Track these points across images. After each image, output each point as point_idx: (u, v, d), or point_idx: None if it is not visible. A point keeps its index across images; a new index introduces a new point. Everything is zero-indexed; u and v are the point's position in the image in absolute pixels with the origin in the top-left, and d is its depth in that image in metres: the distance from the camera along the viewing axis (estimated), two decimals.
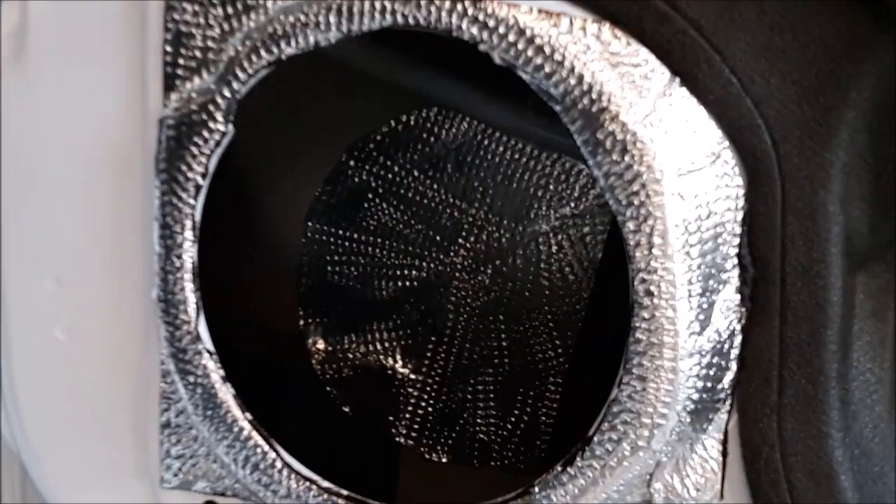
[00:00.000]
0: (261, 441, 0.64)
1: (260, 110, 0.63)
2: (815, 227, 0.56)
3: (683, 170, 0.55)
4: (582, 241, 0.82)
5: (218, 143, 0.61)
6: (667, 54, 0.55)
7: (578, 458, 0.60)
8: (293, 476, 0.64)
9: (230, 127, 0.60)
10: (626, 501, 0.61)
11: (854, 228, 0.56)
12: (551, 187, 0.82)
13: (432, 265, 0.84)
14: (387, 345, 0.85)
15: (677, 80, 0.55)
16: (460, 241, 0.84)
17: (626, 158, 0.54)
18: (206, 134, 0.61)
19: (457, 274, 0.84)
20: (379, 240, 0.84)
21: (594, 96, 0.54)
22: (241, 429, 0.64)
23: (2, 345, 0.69)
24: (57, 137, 0.65)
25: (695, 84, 0.55)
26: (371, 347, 0.86)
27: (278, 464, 0.64)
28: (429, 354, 0.85)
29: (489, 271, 0.84)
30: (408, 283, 0.85)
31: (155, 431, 0.68)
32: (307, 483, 0.64)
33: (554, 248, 0.82)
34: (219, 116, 0.60)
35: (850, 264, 0.57)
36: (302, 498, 0.64)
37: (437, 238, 0.84)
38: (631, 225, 0.55)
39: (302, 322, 0.85)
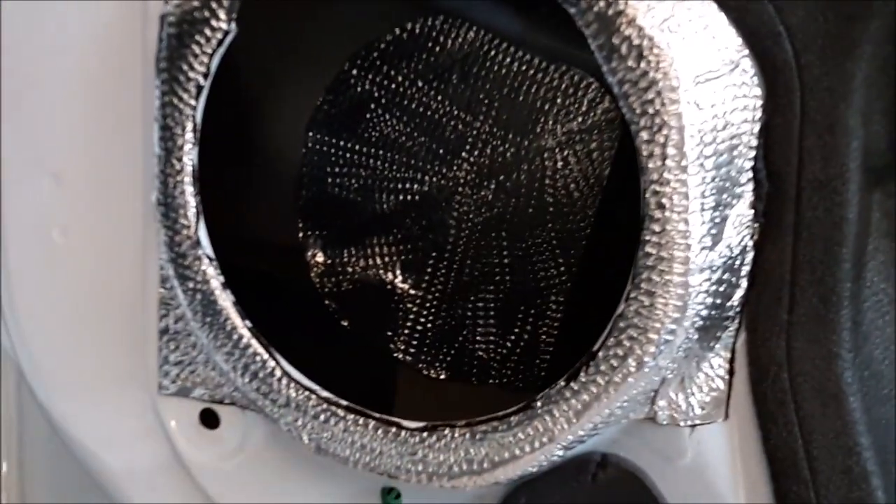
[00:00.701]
0: (260, 349, 0.64)
1: (264, 11, 0.61)
2: (833, 141, 0.54)
3: (701, 78, 0.54)
4: (588, 156, 0.80)
5: (220, 43, 0.59)
6: None
7: (583, 374, 0.59)
8: (293, 385, 0.64)
9: (233, 25, 0.59)
10: (629, 418, 0.60)
11: (873, 144, 0.55)
12: (558, 101, 0.80)
13: (435, 179, 0.83)
14: (387, 259, 0.84)
15: None
16: (464, 154, 0.82)
17: (642, 65, 0.53)
18: (208, 32, 0.59)
19: (459, 188, 0.82)
20: (381, 152, 0.83)
21: None
22: (241, 336, 0.64)
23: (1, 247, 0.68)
24: (56, 34, 0.64)
25: None
26: (371, 261, 0.84)
27: (277, 372, 0.64)
28: (429, 270, 0.84)
29: (493, 186, 0.82)
30: (409, 197, 0.83)
31: (153, 337, 0.67)
32: (307, 392, 0.64)
33: (560, 164, 0.81)
34: (221, 14, 0.58)
35: (867, 181, 0.55)
36: (301, 407, 0.64)
37: (440, 151, 0.82)
38: (645, 135, 0.54)
39: (301, 234, 0.84)
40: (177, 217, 0.62)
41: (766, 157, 0.56)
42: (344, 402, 0.63)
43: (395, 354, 0.83)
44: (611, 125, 0.79)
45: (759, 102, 0.55)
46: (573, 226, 0.81)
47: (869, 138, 0.55)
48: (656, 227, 0.55)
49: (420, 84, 0.81)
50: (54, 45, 0.64)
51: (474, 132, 0.81)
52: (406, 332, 0.84)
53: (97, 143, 0.65)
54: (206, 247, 0.63)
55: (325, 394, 0.64)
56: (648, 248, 0.55)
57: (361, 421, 0.63)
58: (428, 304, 0.84)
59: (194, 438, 0.70)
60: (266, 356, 0.64)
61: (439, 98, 0.81)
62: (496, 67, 0.80)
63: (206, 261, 0.62)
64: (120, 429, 0.71)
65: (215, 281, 0.63)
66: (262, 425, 0.68)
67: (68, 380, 0.70)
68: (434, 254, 0.84)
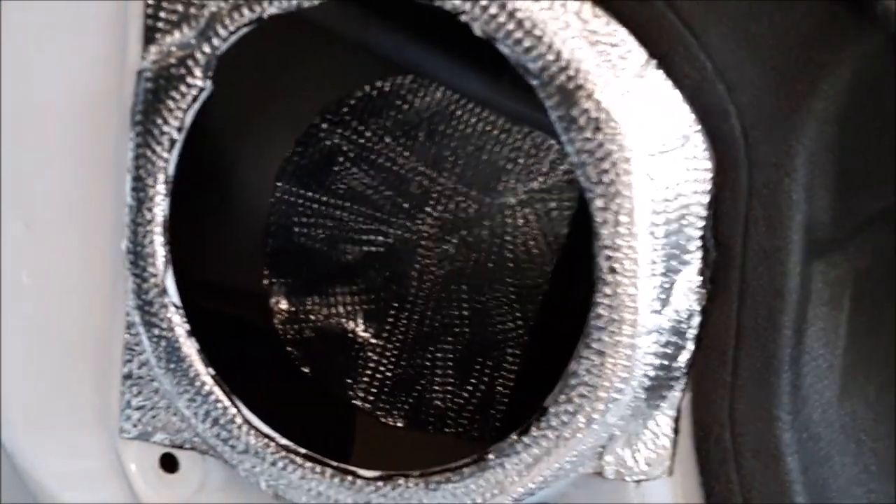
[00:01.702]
0: (222, 396, 0.65)
1: (238, 68, 0.63)
2: (778, 213, 0.57)
3: (654, 151, 0.56)
4: (548, 215, 0.83)
5: (195, 99, 0.61)
6: (644, 35, 0.55)
7: (534, 428, 0.61)
8: (252, 432, 0.65)
9: (208, 83, 0.61)
10: (578, 472, 0.62)
11: (816, 217, 0.58)
12: (521, 161, 0.83)
13: (399, 232, 0.85)
14: (349, 308, 0.86)
15: (653, 61, 0.56)
16: (428, 209, 0.84)
17: (599, 136, 0.55)
18: (183, 88, 0.61)
19: (422, 242, 0.85)
20: (347, 203, 0.85)
21: (571, 73, 0.55)
22: (203, 383, 0.65)
23: None
24: (34, 83, 0.65)
25: (670, 66, 0.56)
26: (334, 310, 0.86)
27: (238, 419, 0.65)
28: (390, 320, 0.86)
29: (455, 241, 0.84)
30: (373, 249, 0.85)
31: (117, 382, 0.68)
32: (266, 439, 0.65)
33: (520, 222, 0.83)
34: (197, 72, 0.60)
35: (809, 252, 0.58)
36: (260, 454, 0.65)
37: (405, 205, 0.84)
38: (599, 202, 0.56)
39: (266, 281, 0.85)
40: (145, 265, 0.63)
41: (715, 227, 0.58)
42: (302, 450, 0.65)
43: (355, 402, 0.85)
44: (570, 186, 0.82)
45: (709, 175, 0.58)
46: (531, 281, 0.83)
47: (812, 212, 0.57)
48: (608, 290, 0.57)
49: (388, 140, 0.84)
50: (31, 93, 0.65)
51: (439, 188, 0.84)
52: (366, 380, 0.86)
53: (69, 191, 0.66)
54: (173, 295, 0.64)
55: (283, 441, 0.65)
56: (600, 310, 0.58)
57: (318, 469, 0.64)
58: (388, 354, 0.86)
59: (153, 482, 0.70)
60: (227, 403, 0.65)
61: (406, 154, 0.84)
62: (462, 126, 0.83)
63: (172, 309, 0.64)
64: (81, 470, 0.72)
65: (180, 328, 0.64)
66: (221, 470, 0.69)
67: (31, 420, 0.71)
68: (396, 304, 0.86)
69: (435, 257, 0.85)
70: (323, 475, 0.64)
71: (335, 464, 0.64)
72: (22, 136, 0.66)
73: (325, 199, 0.85)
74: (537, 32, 0.55)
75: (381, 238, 0.85)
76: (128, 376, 0.67)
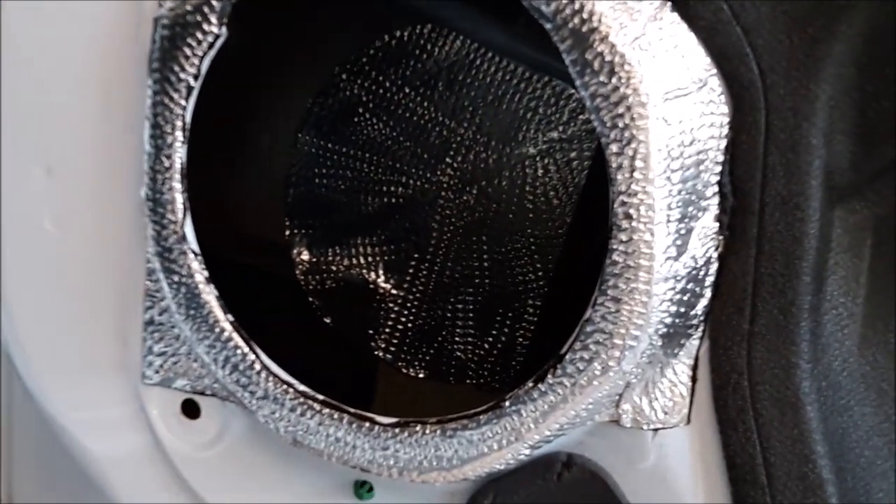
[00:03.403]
0: (241, 342, 0.66)
1: (255, 16, 0.63)
2: (796, 158, 0.56)
3: (670, 95, 0.56)
4: (568, 165, 0.82)
5: (211, 45, 0.61)
6: None
7: (550, 375, 0.61)
8: (271, 378, 0.66)
9: (224, 29, 0.61)
10: (595, 420, 0.62)
11: (835, 163, 0.57)
12: (540, 110, 0.82)
13: (419, 182, 0.85)
14: (370, 259, 0.86)
15: (668, 4, 0.55)
16: (447, 159, 0.84)
17: (613, 80, 0.55)
18: (199, 35, 0.61)
19: (442, 192, 0.85)
20: (367, 155, 0.85)
21: (585, 16, 0.54)
22: (222, 329, 0.66)
23: None
24: (54, 31, 0.65)
25: (686, 9, 0.55)
26: (355, 261, 0.86)
27: (257, 366, 0.66)
28: (411, 271, 0.86)
29: (475, 191, 0.84)
30: (394, 200, 0.85)
31: (138, 328, 0.69)
32: (284, 386, 0.65)
33: (540, 172, 0.83)
34: (213, 18, 0.60)
35: (828, 198, 0.57)
36: (279, 400, 0.66)
37: (425, 156, 0.84)
38: (614, 147, 0.56)
39: (288, 232, 0.86)
40: (164, 212, 0.64)
41: (732, 173, 0.58)
42: (320, 397, 0.65)
43: (376, 352, 0.86)
44: (590, 136, 0.81)
45: (726, 120, 0.57)
46: (551, 232, 0.83)
47: (831, 157, 0.57)
48: (623, 237, 0.57)
49: (407, 90, 0.83)
50: (51, 42, 0.66)
51: (458, 138, 0.84)
52: (387, 331, 0.86)
53: (90, 138, 0.67)
54: (192, 242, 0.64)
55: (301, 388, 0.66)
56: (615, 257, 0.57)
57: (336, 415, 0.65)
58: (409, 305, 0.86)
59: (175, 428, 0.71)
60: (246, 349, 0.65)
61: (425, 104, 0.83)
62: (481, 76, 0.82)
63: (191, 255, 0.64)
64: (104, 416, 0.73)
65: (200, 275, 0.65)
66: (241, 417, 0.70)
67: (55, 367, 0.72)
68: (416, 255, 0.86)
69: (455, 208, 0.85)
70: (341, 421, 0.65)
71: (352, 410, 0.65)
72: (42, 84, 0.66)
73: (345, 149, 0.85)
74: None
75: (401, 189, 0.85)
76: (149, 323, 0.68)
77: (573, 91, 0.81)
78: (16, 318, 0.71)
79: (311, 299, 0.86)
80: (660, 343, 0.60)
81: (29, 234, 0.69)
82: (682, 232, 0.58)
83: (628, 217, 0.56)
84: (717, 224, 0.59)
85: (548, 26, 0.55)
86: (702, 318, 0.60)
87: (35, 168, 0.68)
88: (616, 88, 0.55)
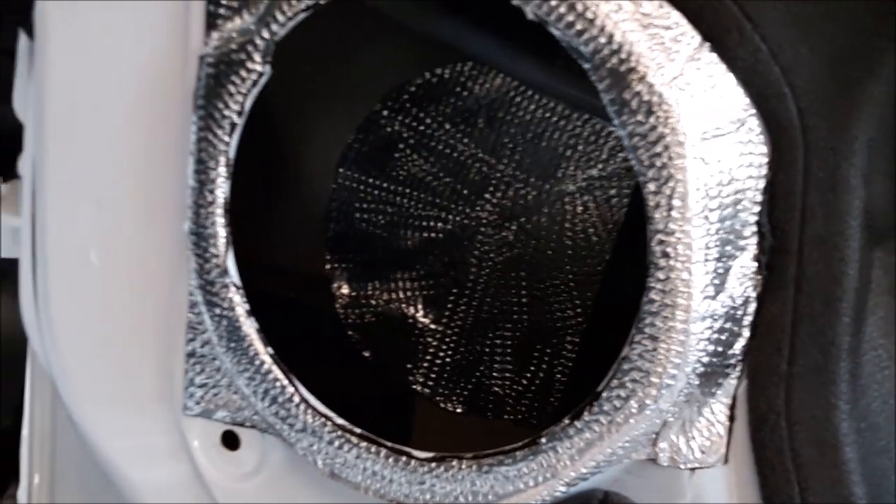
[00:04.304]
0: (280, 375, 0.66)
1: (298, 54, 0.64)
2: (835, 199, 0.56)
3: (708, 134, 0.56)
4: (607, 202, 0.83)
5: (255, 83, 0.62)
6: (698, 18, 0.55)
7: (586, 413, 0.61)
8: (310, 411, 0.66)
9: (267, 68, 0.62)
10: (631, 458, 0.62)
11: (874, 204, 0.57)
12: (580, 148, 0.83)
13: (458, 218, 0.85)
14: (409, 294, 0.87)
15: (707, 44, 0.56)
16: (487, 195, 0.85)
17: (651, 119, 0.55)
18: (243, 73, 0.62)
19: (482, 228, 0.85)
20: (407, 190, 0.86)
21: (623, 56, 0.55)
22: (262, 362, 0.66)
23: (39, 265, 0.71)
24: (102, 69, 0.67)
25: (724, 50, 0.55)
26: (394, 295, 0.87)
27: (296, 398, 0.66)
28: (450, 306, 0.86)
29: (514, 227, 0.85)
30: (433, 235, 0.86)
31: (180, 360, 0.70)
32: (322, 419, 0.66)
33: (579, 209, 0.83)
34: (257, 57, 0.62)
35: (868, 239, 0.57)
36: (317, 433, 0.66)
37: (465, 192, 0.85)
38: (652, 186, 0.56)
39: (328, 266, 0.87)
40: (207, 246, 0.65)
41: (770, 213, 0.58)
42: (358, 430, 0.66)
43: (414, 387, 0.86)
44: (629, 173, 0.82)
45: (765, 160, 0.57)
46: (590, 268, 0.83)
47: (870, 197, 0.56)
48: (661, 275, 0.57)
49: (447, 126, 0.84)
50: (100, 78, 0.67)
51: (498, 174, 0.84)
52: (425, 365, 0.86)
53: (136, 173, 0.68)
54: (234, 275, 0.65)
55: (340, 421, 0.66)
56: (653, 295, 0.58)
57: (374, 449, 0.65)
58: (447, 339, 0.87)
59: (215, 458, 0.72)
60: (286, 382, 0.66)
61: (465, 140, 0.84)
62: (521, 113, 0.83)
63: (233, 289, 0.65)
64: (145, 445, 0.74)
65: (241, 308, 0.66)
66: (279, 449, 0.71)
67: (99, 396, 0.73)
68: (455, 290, 0.86)
69: (494, 244, 0.85)
70: (378, 455, 0.65)
71: (389, 444, 0.65)
72: (90, 119, 0.68)
73: (385, 185, 0.86)
74: (589, 15, 0.55)
75: (440, 224, 0.86)
76: (191, 354, 0.69)
77: (612, 129, 0.81)
78: (61, 348, 0.72)
79: (350, 333, 0.86)
80: (697, 382, 0.60)
81: (76, 265, 0.70)
82: (720, 271, 0.58)
83: (666, 256, 0.57)
84: (756, 263, 0.59)
85: (586, 66, 0.56)
86: (740, 357, 0.60)
87: (83, 201, 0.69)
88: (654, 128, 0.55)
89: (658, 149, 0.55)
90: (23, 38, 0.77)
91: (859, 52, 0.54)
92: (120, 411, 0.73)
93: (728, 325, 0.59)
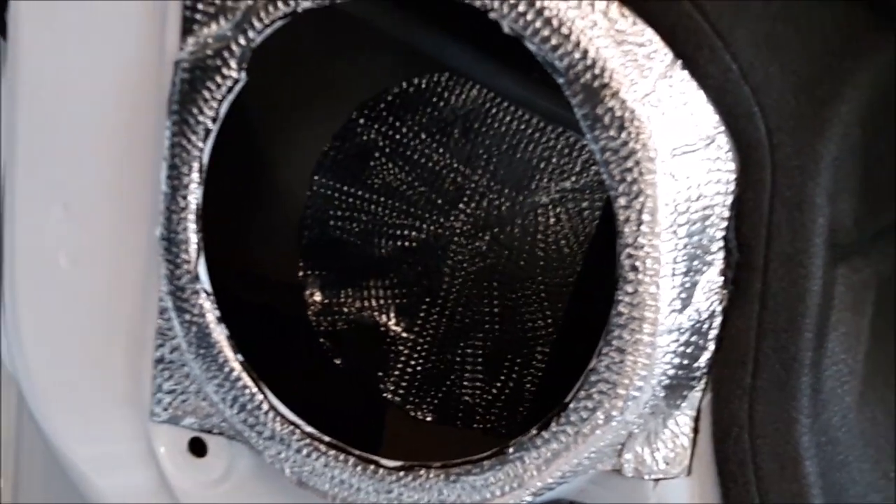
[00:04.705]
0: (249, 382, 0.66)
1: (274, 61, 0.65)
2: (801, 216, 0.57)
3: (678, 151, 0.57)
4: (580, 215, 0.83)
5: (230, 90, 0.62)
6: (671, 36, 0.56)
7: (553, 423, 0.61)
8: (278, 419, 0.66)
9: (243, 74, 0.62)
10: (597, 468, 0.63)
11: (839, 221, 0.58)
12: (554, 160, 0.83)
13: (432, 227, 0.86)
14: (382, 302, 0.87)
15: (679, 62, 0.56)
16: (461, 206, 0.85)
17: (623, 135, 0.56)
18: (218, 79, 0.62)
19: (455, 238, 0.86)
20: (382, 198, 0.86)
21: (597, 71, 0.55)
22: (232, 369, 0.66)
23: (6, 268, 0.71)
24: (75, 71, 0.67)
25: (696, 68, 0.56)
26: (366, 303, 0.87)
27: (265, 406, 0.66)
28: (422, 315, 0.87)
29: (487, 238, 0.85)
30: (407, 244, 0.86)
31: (149, 366, 0.70)
32: (291, 427, 0.66)
33: (552, 220, 0.84)
34: (233, 63, 0.62)
35: (832, 256, 0.58)
36: (285, 441, 0.66)
37: (439, 201, 0.85)
38: (622, 200, 0.56)
39: (301, 273, 0.87)
40: (178, 252, 0.65)
41: (737, 229, 0.59)
42: (326, 438, 0.66)
43: (385, 395, 0.86)
44: (602, 187, 0.82)
45: (733, 177, 0.58)
46: (560, 280, 0.84)
47: (835, 216, 0.57)
48: (629, 289, 0.58)
49: (423, 136, 0.85)
50: (72, 80, 0.67)
51: (472, 185, 0.85)
52: (396, 373, 0.87)
53: (107, 177, 0.68)
54: (205, 282, 0.65)
55: (308, 429, 0.66)
56: (621, 308, 0.58)
57: (342, 457, 0.65)
58: (419, 348, 0.87)
59: (182, 465, 0.72)
60: (255, 389, 0.66)
61: (440, 151, 0.85)
62: (496, 125, 0.84)
63: (203, 295, 0.65)
64: (111, 451, 0.73)
65: (211, 315, 0.66)
66: (247, 456, 0.71)
67: (65, 401, 0.73)
68: (427, 299, 0.87)
69: (467, 254, 0.86)
70: (346, 463, 0.65)
71: (358, 452, 0.65)
72: (62, 122, 0.68)
73: (360, 193, 0.86)
74: (564, 31, 0.55)
75: (414, 233, 0.86)
76: (160, 360, 0.69)
77: (586, 142, 0.82)
78: (27, 351, 0.72)
79: (322, 340, 0.86)
80: (662, 394, 0.60)
81: (44, 269, 0.70)
82: (687, 285, 0.58)
83: (634, 269, 0.57)
84: (722, 278, 0.60)
85: (560, 81, 0.56)
86: (705, 370, 0.61)
87: (52, 205, 0.69)
88: (625, 143, 0.56)
89: (629, 164, 0.56)
90: None
91: (828, 73, 0.55)
92: (86, 416, 0.73)
93: (694, 339, 0.60)
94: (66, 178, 0.68)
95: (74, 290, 0.70)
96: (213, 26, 0.62)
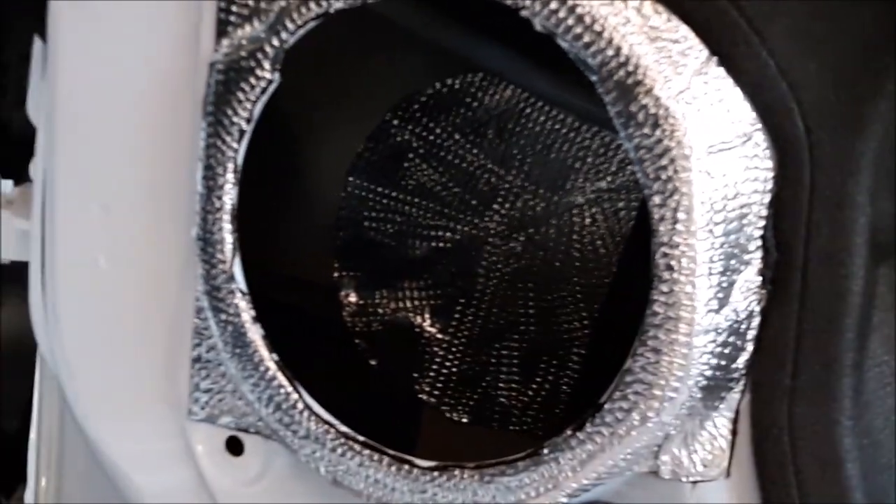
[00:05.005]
0: (285, 382, 0.66)
1: (308, 62, 0.65)
2: (841, 215, 0.56)
3: (714, 148, 0.56)
4: (616, 215, 0.83)
5: (264, 91, 0.63)
6: (706, 32, 0.55)
7: (589, 424, 0.61)
8: (313, 418, 0.66)
9: (277, 75, 0.62)
10: (633, 470, 0.62)
11: (880, 220, 0.57)
12: (589, 160, 0.83)
13: (466, 228, 0.86)
14: (417, 303, 0.87)
15: (714, 58, 0.56)
16: (495, 206, 0.85)
17: (657, 132, 0.55)
18: (252, 80, 0.62)
19: (490, 239, 0.85)
20: (416, 199, 0.86)
21: (630, 69, 0.55)
22: (267, 369, 0.67)
23: (47, 268, 0.72)
24: (113, 73, 0.68)
25: (732, 64, 0.55)
26: (401, 304, 0.87)
27: (300, 405, 0.66)
28: (457, 316, 0.87)
29: (522, 238, 0.85)
30: (441, 245, 0.86)
31: (186, 365, 0.70)
32: (326, 426, 0.66)
33: (587, 221, 0.83)
34: (266, 64, 0.62)
35: (873, 256, 0.57)
36: (320, 440, 0.66)
37: (473, 202, 0.85)
38: (657, 199, 0.56)
39: (336, 274, 0.87)
40: (214, 252, 0.65)
41: (776, 228, 0.58)
42: (361, 438, 0.66)
43: (420, 396, 0.86)
44: (638, 186, 0.81)
45: (770, 175, 0.57)
46: (597, 280, 0.83)
47: (876, 215, 0.56)
48: (664, 288, 0.57)
49: (457, 137, 0.85)
50: (112, 83, 0.68)
51: (507, 185, 0.85)
52: (431, 374, 0.87)
53: (145, 178, 0.69)
54: (240, 282, 0.66)
55: (343, 428, 0.66)
56: (656, 308, 0.58)
57: (376, 457, 0.65)
58: (454, 349, 0.87)
59: (219, 464, 0.72)
60: (290, 389, 0.66)
61: (475, 151, 0.85)
62: (531, 125, 0.83)
63: (239, 295, 0.66)
64: (150, 450, 0.74)
65: (246, 314, 0.66)
66: (283, 455, 0.71)
67: (105, 400, 0.74)
68: (462, 300, 0.87)
69: (502, 255, 0.85)
70: (380, 463, 0.65)
71: (392, 452, 0.65)
72: (101, 123, 0.68)
73: (394, 194, 0.86)
74: (597, 28, 0.55)
75: (448, 234, 0.86)
76: (197, 360, 0.69)
77: (621, 142, 0.81)
78: (69, 351, 0.73)
79: (357, 341, 0.87)
80: (700, 395, 0.60)
81: (83, 269, 0.71)
82: (724, 285, 0.58)
83: (670, 269, 0.57)
84: (760, 278, 0.59)
85: (593, 78, 0.56)
86: (743, 371, 0.60)
87: (92, 205, 0.70)
88: (660, 141, 0.55)
89: (664, 162, 0.55)
90: (37, 42, 0.78)
91: (866, 69, 0.54)
92: (125, 415, 0.74)
93: (731, 339, 0.59)
94: (105, 179, 0.69)
95: (113, 289, 0.71)
96: (247, 28, 0.62)
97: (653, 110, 0.55)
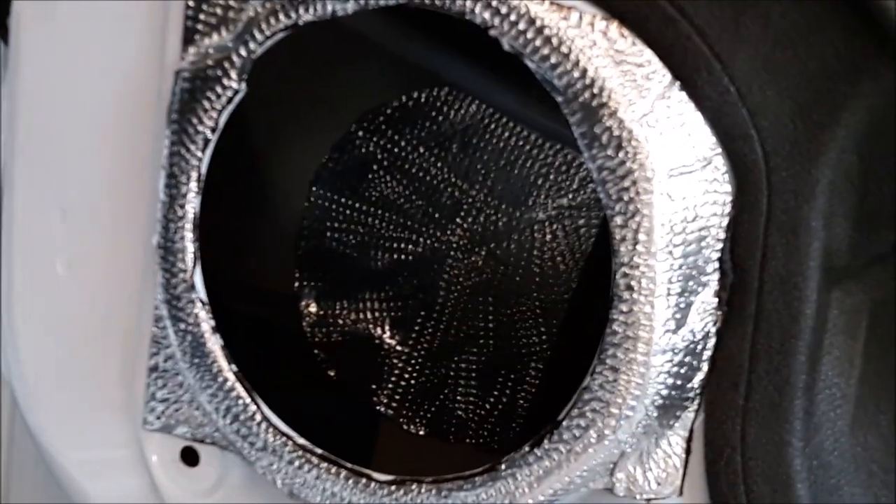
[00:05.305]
0: (243, 393, 0.66)
1: (275, 73, 0.65)
2: (795, 240, 0.57)
3: (675, 171, 0.57)
4: (576, 232, 0.83)
5: (230, 100, 0.63)
6: (669, 57, 0.56)
7: (546, 441, 0.61)
8: (271, 430, 0.66)
9: (243, 85, 0.62)
10: (589, 487, 0.63)
11: (834, 245, 0.58)
12: (551, 177, 0.84)
13: (429, 241, 0.86)
14: (377, 314, 0.87)
15: (677, 83, 0.57)
16: (458, 220, 0.85)
17: (620, 154, 0.56)
18: (219, 90, 0.62)
19: (451, 252, 0.86)
20: (379, 211, 0.86)
21: (595, 91, 0.55)
22: (226, 379, 0.66)
23: (4, 271, 0.71)
24: (76, 77, 0.67)
25: (694, 89, 0.56)
26: (362, 315, 0.87)
27: (258, 417, 0.66)
28: (417, 328, 0.87)
29: (483, 253, 0.85)
30: (403, 257, 0.87)
31: (143, 374, 0.70)
32: (284, 438, 0.66)
33: (548, 237, 0.84)
34: (233, 74, 0.62)
35: (826, 280, 0.58)
36: (277, 452, 0.66)
37: (436, 215, 0.86)
38: (618, 220, 0.57)
39: (297, 284, 0.87)
40: (175, 261, 0.65)
41: (732, 250, 0.59)
42: (318, 451, 0.66)
43: (378, 407, 0.86)
44: (599, 204, 0.82)
45: (729, 198, 0.58)
46: (556, 297, 0.84)
47: (830, 240, 0.57)
48: (624, 308, 0.58)
49: (421, 150, 0.85)
50: (74, 87, 0.68)
51: (469, 200, 0.85)
52: (390, 386, 0.87)
53: (105, 184, 0.68)
54: (201, 291, 0.66)
55: (301, 441, 0.66)
56: (615, 327, 0.58)
57: (334, 470, 0.65)
58: (413, 361, 0.87)
59: (174, 474, 0.72)
60: (248, 400, 0.66)
61: (439, 165, 0.85)
62: (495, 140, 0.84)
63: (199, 304, 0.66)
64: (103, 458, 0.73)
65: (206, 324, 0.66)
66: (239, 466, 0.70)
67: (58, 407, 0.73)
68: (423, 313, 0.87)
69: (463, 268, 0.86)
70: (337, 476, 0.65)
71: (350, 465, 0.65)
72: (62, 127, 0.68)
73: (358, 205, 0.86)
74: (564, 49, 0.56)
75: (411, 247, 0.86)
76: (154, 369, 0.69)
77: (584, 160, 0.82)
78: (22, 355, 0.72)
79: (316, 352, 0.86)
80: (655, 414, 0.60)
81: (41, 274, 0.70)
82: (682, 306, 0.59)
83: (629, 289, 0.57)
84: (717, 300, 0.60)
85: (559, 99, 0.57)
86: (698, 391, 0.61)
87: (51, 210, 0.69)
88: (622, 163, 0.56)
89: (626, 183, 0.56)
90: None
91: (826, 98, 0.55)
92: (78, 422, 0.73)
93: (688, 360, 0.60)
94: (65, 184, 0.69)
95: (70, 296, 0.70)
96: (215, 37, 0.62)
97: (616, 132, 0.56)
